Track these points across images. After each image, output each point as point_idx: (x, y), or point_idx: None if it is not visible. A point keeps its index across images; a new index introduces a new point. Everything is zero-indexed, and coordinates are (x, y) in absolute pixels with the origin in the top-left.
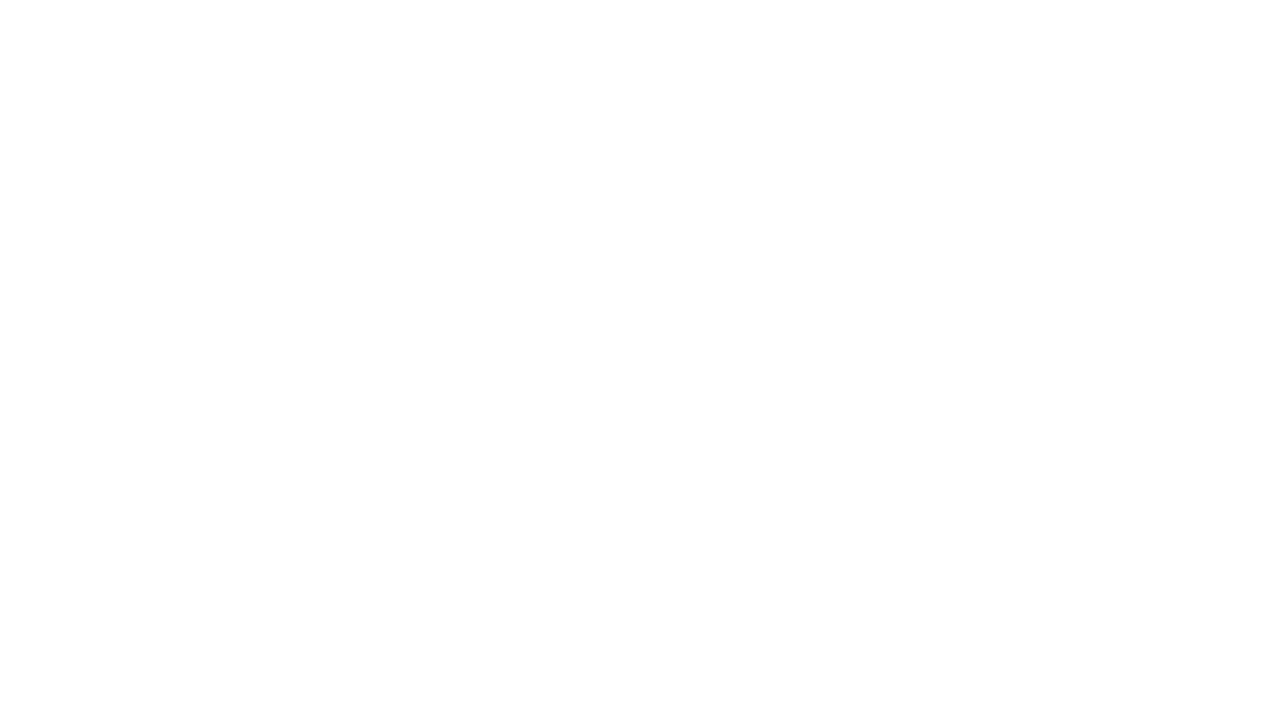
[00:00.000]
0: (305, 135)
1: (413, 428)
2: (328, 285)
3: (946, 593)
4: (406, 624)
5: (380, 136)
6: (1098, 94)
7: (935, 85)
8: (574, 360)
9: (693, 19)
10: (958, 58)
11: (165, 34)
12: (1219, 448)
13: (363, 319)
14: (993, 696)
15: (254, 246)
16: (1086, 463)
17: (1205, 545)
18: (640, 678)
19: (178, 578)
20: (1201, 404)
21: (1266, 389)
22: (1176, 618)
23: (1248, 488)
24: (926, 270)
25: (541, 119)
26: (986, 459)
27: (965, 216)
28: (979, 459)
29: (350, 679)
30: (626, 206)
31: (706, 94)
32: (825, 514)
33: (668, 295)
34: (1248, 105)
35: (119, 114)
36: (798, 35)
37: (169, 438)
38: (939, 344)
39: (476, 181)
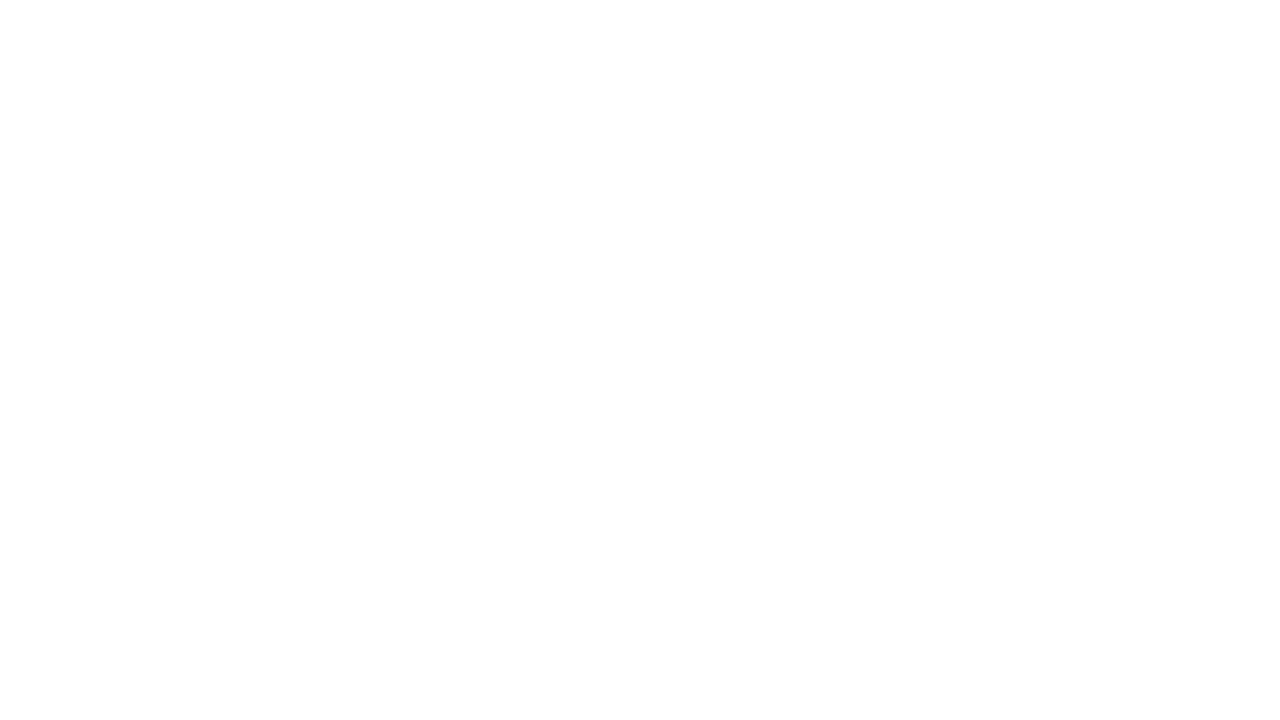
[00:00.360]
0: (306, 135)
1: (413, 427)
2: (328, 285)
3: (946, 593)
4: (406, 624)
5: (380, 136)
6: (1098, 94)
7: (935, 85)
8: (574, 360)
9: (693, 19)
10: (958, 58)
11: (165, 34)
12: (1219, 448)
13: (363, 319)
14: (992, 696)
15: (254, 246)
16: (1086, 463)
17: (1205, 545)
18: (639, 677)
19: (177, 578)
20: (1201, 404)
21: (1266, 389)
22: (1176, 618)
23: (1248, 488)
24: (926, 270)
25: (541, 119)
26: (986, 459)
27: (965, 217)
28: (979, 459)
29: (350, 679)
30: (627, 207)
31: (706, 94)
32: (825, 514)
33: (668, 295)
34: (1248, 105)
35: (119, 114)
36: (798, 35)
37: (169, 437)
38: (939, 344)
39: (476, 181)
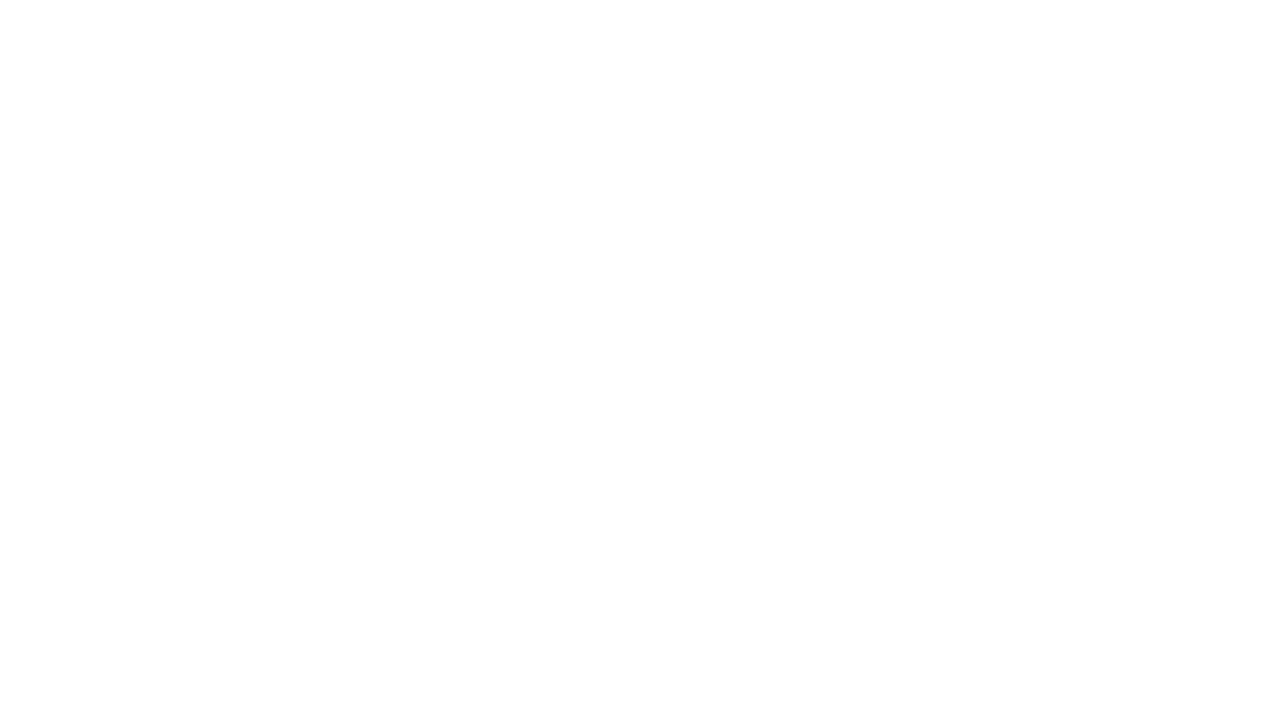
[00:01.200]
0: (305, 135)
1: (413, 428)
2: (328, 285)
3: (947, 593)
4: (406, 624)
5: (380, 136)
6: (1098, 94)
7: (935, 85)
8: (574, 360)
9: (693, 19)
10: (958, 58)
11: (165, 34)
12: (1219, 448)
13: (363, 319)
14: (992, 697)
15: (254, 246)
16: (1086, 463)
17: (1205, 545)
18: (640, 678)
19: (177, 578)
20: (1201, 404)
21: (1266, 389)
22: (1176, 618)
23: (1248, 488)
24: (926, 270)
25: (541, 119)
26: (986, 459)
27: (965, 217)
28: (979, 459)
29: (350, 679)
30: (627, 207)
31: (707, 94)
32: (825, 514)
33: (668, 295)
34: (1248, 105)
35: (119, 114)
36: (798, 35)
37: (169, 438)
38: (939, 344)
39: (476, 181)
